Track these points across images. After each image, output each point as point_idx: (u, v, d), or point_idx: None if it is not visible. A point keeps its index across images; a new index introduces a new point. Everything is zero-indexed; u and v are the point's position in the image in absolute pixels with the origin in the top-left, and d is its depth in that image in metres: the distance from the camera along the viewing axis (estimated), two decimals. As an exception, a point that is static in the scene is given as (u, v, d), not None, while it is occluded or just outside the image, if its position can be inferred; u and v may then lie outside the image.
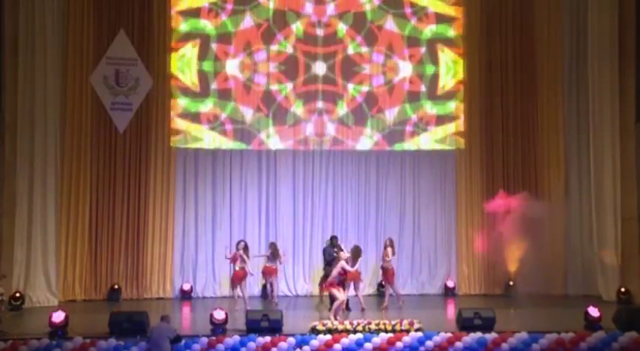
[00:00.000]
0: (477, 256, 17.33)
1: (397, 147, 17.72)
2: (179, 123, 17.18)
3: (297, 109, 17.52)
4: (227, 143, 17.34)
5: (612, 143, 16.56)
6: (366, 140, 17.65)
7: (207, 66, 17.33)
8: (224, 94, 17.39)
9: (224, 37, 17.42)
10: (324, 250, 15.52)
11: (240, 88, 17.41)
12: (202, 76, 17.32)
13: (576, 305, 14.50)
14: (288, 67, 17.54)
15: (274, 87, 17.49)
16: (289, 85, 17.52)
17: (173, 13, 17.21)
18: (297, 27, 17.56)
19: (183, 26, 17.30)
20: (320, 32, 17.59)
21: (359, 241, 16.56)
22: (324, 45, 17.60)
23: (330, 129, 17.59)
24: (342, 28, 17.66)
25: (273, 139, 17.46)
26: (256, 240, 17.28)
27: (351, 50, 17.69)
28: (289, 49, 17.55)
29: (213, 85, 17.34)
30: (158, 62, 17.00)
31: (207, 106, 17.31)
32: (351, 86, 17.65)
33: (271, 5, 17.49)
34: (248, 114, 17.38)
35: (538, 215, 16.13)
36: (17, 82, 15.40)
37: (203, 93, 17.31)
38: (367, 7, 17.75)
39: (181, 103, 17.25)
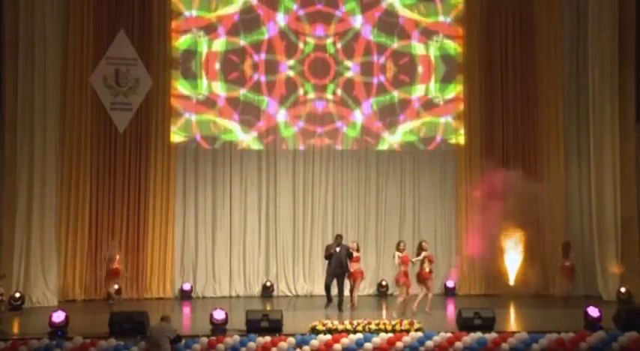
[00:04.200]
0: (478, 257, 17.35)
1: (398, 145, 17.72)
2: (179, 122, 17.20)
3: (298, 109, 17.54)
4: (224, 139, 17.35)
5: (612, 143, 16.56)
6: (365, 139, 17.68)
7: (204, 65, 17.35)
8: (224, 93, 17.40)
9: (227, 39, 17.45)
10: (326, 248, 15.24)
11: (238, 88, 17.44)
12: (203, 75, 17.32)
13: (576, 305, 14.51)
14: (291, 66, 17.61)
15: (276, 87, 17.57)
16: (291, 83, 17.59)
17: (173, 13, 17.20)
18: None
19: (183, 25, 17.31)
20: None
21: (359, 241, 16.53)
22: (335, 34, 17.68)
23: (329, 129, 17.61)
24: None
25: (273, 138, 17.50)
26: (256, 240, 17.31)
27: (356, 50, 17.73)
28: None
29: (214, 85, 17.34)
30: (158, 62, 17.00)
31: (207, 106, 17.33)
32: (350, 84, 17.70)
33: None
34: (248, 114, 17.42)
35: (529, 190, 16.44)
36: (17, 82, 15.40)
37: (203, 92, 17.32)
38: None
39: (181, 102, 17.26)
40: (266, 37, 17.54)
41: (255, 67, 17.50)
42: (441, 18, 18.00)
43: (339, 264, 14.78)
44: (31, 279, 15.25)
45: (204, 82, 17.35)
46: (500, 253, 16.99)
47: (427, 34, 17.92)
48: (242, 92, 17.43)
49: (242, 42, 17.47)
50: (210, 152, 17.36)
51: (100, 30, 16.67)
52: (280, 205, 17.44)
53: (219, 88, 17.39)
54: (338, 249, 14.83)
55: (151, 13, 16.96)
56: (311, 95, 17.61)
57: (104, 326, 11.89)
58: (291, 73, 17.59)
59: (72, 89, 16.41)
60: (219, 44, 17.41)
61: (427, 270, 14.01)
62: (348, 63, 17.71)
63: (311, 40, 17.65)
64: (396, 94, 17.78)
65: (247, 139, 17.44)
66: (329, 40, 17.68)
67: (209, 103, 17.37)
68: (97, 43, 16.65)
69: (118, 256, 15.89)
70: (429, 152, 17.89)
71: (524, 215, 17.04)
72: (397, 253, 13.88)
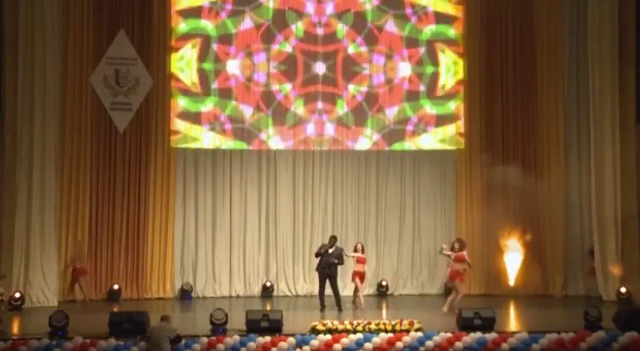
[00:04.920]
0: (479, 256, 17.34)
1: (397, 147, 17.75)
2: (179, 123, 17.20)
3: (298, 109, 17.55)
4: (227, 143, 17.37)
5: (612, 143, 16.53)
6: (366, 140, 17.68)
7: (207, 66, 17.36)
8: (224, 94, 17.42)
9: (224, 37, 17.45)
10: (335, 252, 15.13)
11: (239, 88, 17.45)
12: (202, 75, 17.34)
13: (576, 305, 14.50)
14: (288, 66, 17.57)
15: (274, 87, 17.52)
16: (289, 85, 17.55)
17: (173, 13, 17.24)
18: (297, 27, 17.59)
19: (183, 26, 17.33)
20: (320, 31, 17.63)
21: (358, 241, 16.54)
22: (323, 44, 17.63)
23: (330, 129, 17.63)
24: (341, 28, 17.69)
25: (274, 140, 17.50)
26: (256, 240, 17.32)
27: (350, 50, 17.72)
28: (289, 49, 17.58)
29: (213, 85, 17.36)
30: (158, 62, 17.00)
31: (207, 106, 17.34)
32: (351, 86, 17.69)
33: (271, 5, 17.52)
34: (248, 114, 17.41)
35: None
36: (17, 82, 15.40)
37: (203, 93, 17.33)
38: (367, 7, 17.78)
39: (181, 103, 17.27)
40: (265, 41, 17.53)
41: (255, 67, 17.49)
42: (441, 18, 17.96)
43: (327, 265, 14.77)
44: (31, 279, 15.23)
45: (203, 83, 17.33)
46: (500, 252, 16.97)
47: (427, 34, 17.89)
48: (242, 93, 17.42)
49: (241, 42, 17.44)
50: (210, 152, 17.36)
51: (100, 30, 16.68)
52: (280, 205, 17.44)
53: (219, 89, 17.37)
54: (331, 250, 14.81)
55: (151, 13, 16.97)
56: (311, 95, 17.61)
57: (104, 326, 11.88)
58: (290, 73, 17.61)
59: (72, 89, 16.42)
60: (219, 44, 17.40)
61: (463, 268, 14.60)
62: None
63: (317, 41, 17.66)
64: (396, 93, 17.77)
65: (247, 139, 17.42)
66: (335, 44, 17.69)
67: (209, 103, 17.35)
68: (97, 43, 16.65)
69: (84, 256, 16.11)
70: (430, 152, 17.87)
71: (524, 215, 17.06)
72: (452, 253, 14.40)
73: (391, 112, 17.74)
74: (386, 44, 17.79)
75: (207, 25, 17.39)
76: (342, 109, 17.63)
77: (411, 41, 17.87)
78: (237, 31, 17.45)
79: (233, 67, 17.43)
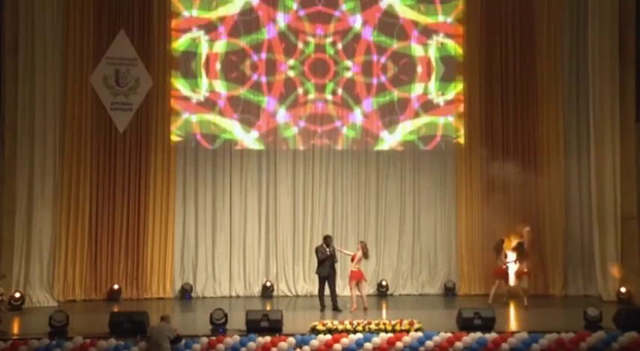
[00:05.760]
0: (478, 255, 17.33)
1: (398, 145, 17.76)
2: (178, 123, 17.22)
3: (298, 109, 17.58)
4: (224, 139, 17.38)
5: (612, 143, 16.54)
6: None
7: (204, 65, 17.37)
8: (222, 95, 17.43)
9: (222, 37, 17.47)
10: (317, 250, 15.12)
11: (238, 88, 17.46)
12: (200, 75, 17.33)
13: (576, 305, 14.51)
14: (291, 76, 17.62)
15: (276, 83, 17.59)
16: (291, 93, 17.60)
17: (173, 13, 17.24)
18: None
19: (183, 24, 17.32)
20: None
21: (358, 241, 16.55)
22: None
23: (330, 129, 17.65)
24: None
25: (271, 140, 17.52)
26: (256, 240, 17.31)
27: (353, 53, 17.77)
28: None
29: (207, 86, 17.36)
30: (158, 62, 17.00)
31: (205, 104, 17.35)
32: (349, 76, 17.71)
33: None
34: (246, 114, 17.45)
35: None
36: (17, 82, 15.42)
37: (202, 92, 17.33)
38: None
39: (180, 102, 17.28)
40: (266, 37, 17.53)
41: (255, 67, 17.49)
42: (441, 18, 17.97)
43: (332, 265, 14.78)
44: (31, 279, 15.26)
45: (204, 82, 17.34)
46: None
47: (427, 33, 17.90)
48: (242, 92, 17.42)
49: (242, 42, 17.46)
50: (210, 152, 17.37)
51: (100, 30, 16.68)
52: (280, 205, 17.44)
53: (219, 89, 17.39)
54: (329, 250, 14.81)
55: (151, 13, 16.97)
56: (311, 95, 17.60)
57: (104, 326, 11.91)
58: (291, 73, 17.58)
59: (72, 89, 16.41)
60: (219, 44, 17.41)
61: (505, 266, 15.26)
62: (348, 63, 17.68)
63: (311, 40, 17.63)
64: (395, 93, 17.76)
65: (247, 139, 17.44)
66: (329, 40, 17.66)
67: (209, 103, 17.37)
68: (97, 43, 16.65)
69: None
70: (429, 152, 17.87)
71: (524, 215, 17.04)
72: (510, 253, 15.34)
73: (390, 112, 17.71)
74: (386, 46, 17.79)
75: (209, 23, 17.38)
76: (340, 108, 17.63)
77: (411, 41, 17.87)
78: (237, 36, 17.48)
79: (233, 67, 17.43)
